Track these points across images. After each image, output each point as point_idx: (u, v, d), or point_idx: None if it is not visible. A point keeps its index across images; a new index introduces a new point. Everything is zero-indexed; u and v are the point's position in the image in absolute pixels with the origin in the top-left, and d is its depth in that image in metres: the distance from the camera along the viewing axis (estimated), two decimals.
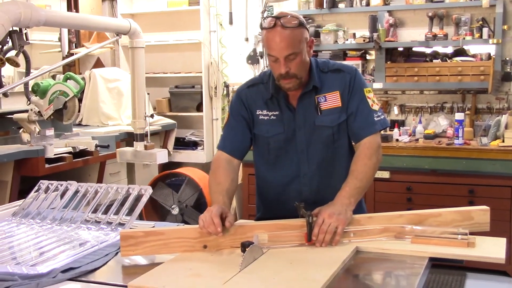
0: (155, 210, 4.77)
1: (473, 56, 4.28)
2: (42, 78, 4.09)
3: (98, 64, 5.34)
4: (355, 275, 1.66)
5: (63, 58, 4.74)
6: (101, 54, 5.34)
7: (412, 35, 4.45)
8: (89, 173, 4.31)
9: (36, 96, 3.78)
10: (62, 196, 2.33)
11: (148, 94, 4.25)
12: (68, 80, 3.88)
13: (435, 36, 4.21)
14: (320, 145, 2.07)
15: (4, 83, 3.58)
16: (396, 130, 4.23)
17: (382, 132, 2.27)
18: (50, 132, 3.80)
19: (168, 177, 4.83)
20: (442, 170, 3.84)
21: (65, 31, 4.87)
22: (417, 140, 4.12)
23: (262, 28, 2.04)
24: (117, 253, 1.83)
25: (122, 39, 4.50)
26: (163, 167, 5.08)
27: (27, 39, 3.11)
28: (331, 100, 2.05)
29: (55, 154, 3.75)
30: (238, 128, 2.13)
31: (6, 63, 3.05)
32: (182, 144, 5.27)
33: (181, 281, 1.55)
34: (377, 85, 4.37)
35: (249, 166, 3.93)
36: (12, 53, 3.11)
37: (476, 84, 4.14)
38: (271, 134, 2.08)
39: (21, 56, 3.15)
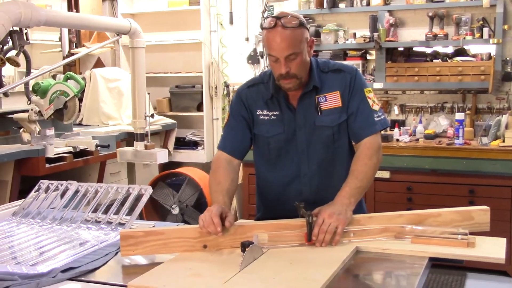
0: (155, 210, 4.78)
1: (474, 56, 4.28)
2: (43, 78, 4.09)
3: (99, 64, 5.34)
4: (355, 275, 1.66)
5: (64, 58, 4.74)
6: (101, 54, 5.34)
7: (412, 35, 4.44)
8: (89, 173, 4.31)
9: (36, 96, 3.79)
10: (62, 196, 2.33)
11: (148, 94, 4.26)
12: (69, 80, 3.88)
13: (435, 36, 4.21)
14: (320, 145, 2.07)
15: (4, 83, 3.58)
16: (396, 130, 4.23)
17: (382, 132, 2.27)
18: (50, 132, 3.80)
19: (169, 177, 4.83)
20: (442, 170, 3.84)
21: (65, 31, 4.88)
22: (417, 140, 4.12)
23: (262, 28, 2.03)
24: (117, 253, 1.83)
25: (122, 39, 4.51)
26: (163, 167, 5.08)
27: (27, 39, 3.11)
28: (331, 100, 2.05)
29: (55, 154, 3.75)
30: (238, 128, 2.12)
31: (7, 63, 3.05)
32: (182, 144, 5.27)
33: (181, 281, 1.55)
34: (378, 85, 4.37)
35: (249, 166, 3.94)
36: (12, 53, 3.11)
37: (477, 84, 4.14)
38: (271, 134, 2.08)
39: (21, 56, 3.15)
